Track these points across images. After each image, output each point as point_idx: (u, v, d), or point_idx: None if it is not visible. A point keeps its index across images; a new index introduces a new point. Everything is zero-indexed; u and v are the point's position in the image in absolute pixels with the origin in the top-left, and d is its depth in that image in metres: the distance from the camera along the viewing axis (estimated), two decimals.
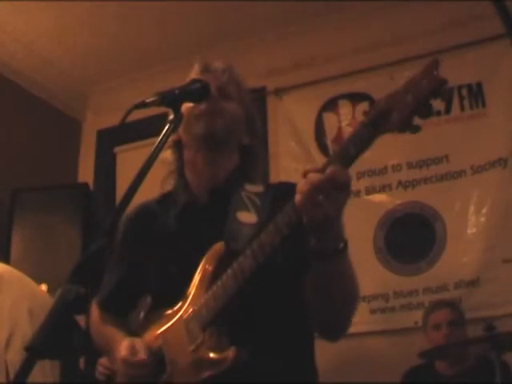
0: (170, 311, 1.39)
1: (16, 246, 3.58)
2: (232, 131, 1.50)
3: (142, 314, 1.47)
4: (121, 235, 1.58)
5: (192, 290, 1.36)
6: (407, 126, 1.09)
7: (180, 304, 1.37)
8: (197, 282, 1.36)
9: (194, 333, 1.30)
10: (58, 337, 0.93)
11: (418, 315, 3.14)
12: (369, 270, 3.41)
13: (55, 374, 1.85)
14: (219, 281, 1.29)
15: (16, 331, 1.73)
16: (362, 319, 3.36)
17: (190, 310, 1.34)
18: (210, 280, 1.33)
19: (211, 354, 1.26)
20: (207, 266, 1.35)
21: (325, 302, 1.30)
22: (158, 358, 1.34)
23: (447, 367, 2.86)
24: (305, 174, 1.14)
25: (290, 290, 1.36)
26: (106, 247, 1.04)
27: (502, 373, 2.46)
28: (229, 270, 1.27)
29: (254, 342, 1.27)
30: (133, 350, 1.33)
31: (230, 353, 1.23)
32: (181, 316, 1.36)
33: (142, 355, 1.32)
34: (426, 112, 1.09)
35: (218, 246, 1.35)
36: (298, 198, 1.13)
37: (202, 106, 1.42)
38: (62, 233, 3.60)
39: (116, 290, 1.54)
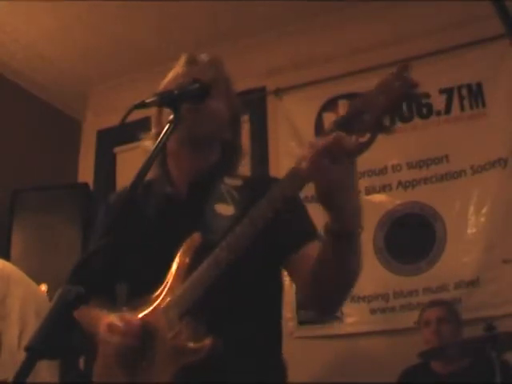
0: (147, 299, 1.39)
1: (16, 246, 3.58)
2: (215, 131, 1.51)
3: (118, 302, 1.46)
4: (103, 217, 1.57)
5: (169, 279, 1.37)
6: (379, 127, 1.08)
7: (157, 293, 1.38)
8: (174, 272, 1.37)
9: (172, 321, 1.31)
10: (57, 337, 0.93)
11: (418, 315, 3.15)
12: (369, 269, 3.41)
13: (55, 374, 1.86)
14: (195, 272, 1.30)
15: (25, 331, 1.74)
16: (362, 319, 3.38)
17: (168, 299, 1.35)
18: (187, 270, 1.34)
19: (188, 343, 1.28)
20: (183, 257, 1.36)
21: (329, 278, 1.28)
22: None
23: (442, 366, 2.88)
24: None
25: (264, 282, 1.39)
26: (105, 247, 1.04)
27: (502, 373, 2.46)
28: (205, 262, 1.28)
29: (227, 332, 1.28)
30: (123, 319, 1.32)
31: (207, 342, 1.25)
32: (158, 304, 1.36)
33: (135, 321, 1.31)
34: (397, 113, 1.09)
35: (195, 237, 1.37)
36: (303, 165, 1.09)
37: (187, 106, 1.37)
38: (61, 233, 3.60)
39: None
